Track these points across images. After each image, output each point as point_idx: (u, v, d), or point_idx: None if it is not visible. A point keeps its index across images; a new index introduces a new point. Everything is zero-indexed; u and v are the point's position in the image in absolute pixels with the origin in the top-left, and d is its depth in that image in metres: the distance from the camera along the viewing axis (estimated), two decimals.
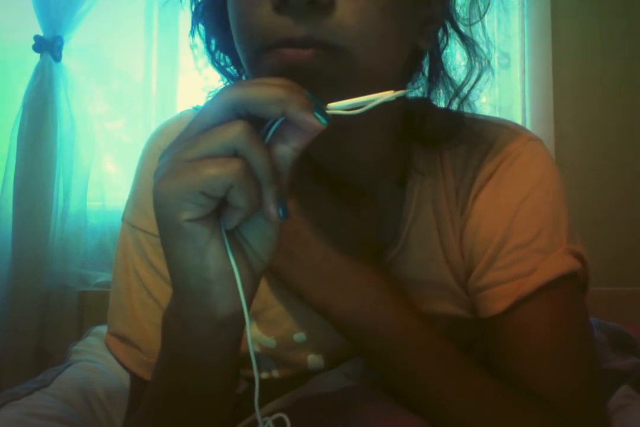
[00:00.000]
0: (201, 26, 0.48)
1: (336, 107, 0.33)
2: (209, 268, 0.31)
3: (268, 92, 0.30)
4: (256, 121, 0.31)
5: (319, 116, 0.30)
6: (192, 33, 0.49)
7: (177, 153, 0.30)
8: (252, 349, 0.34)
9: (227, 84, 0.50)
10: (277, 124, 0.32)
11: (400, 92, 0.33)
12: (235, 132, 0.29)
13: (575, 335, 0.47)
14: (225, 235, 0.32)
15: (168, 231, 0.31)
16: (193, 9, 0.48)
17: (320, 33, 0.35)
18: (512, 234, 0.48)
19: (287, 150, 0.32)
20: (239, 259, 0.33)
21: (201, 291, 0.32)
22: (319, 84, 0.35)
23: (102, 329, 1.03)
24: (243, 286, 0.32)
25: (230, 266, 0.32)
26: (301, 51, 0.35)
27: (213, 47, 0.49)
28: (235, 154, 0.30)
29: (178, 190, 0.29)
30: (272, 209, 0.31)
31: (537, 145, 0.51)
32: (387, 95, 0.33)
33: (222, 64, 0.49)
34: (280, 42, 0.36)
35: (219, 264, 0.32)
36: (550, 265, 0.47)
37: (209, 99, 0.32)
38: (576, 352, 0.47)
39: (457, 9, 0.46)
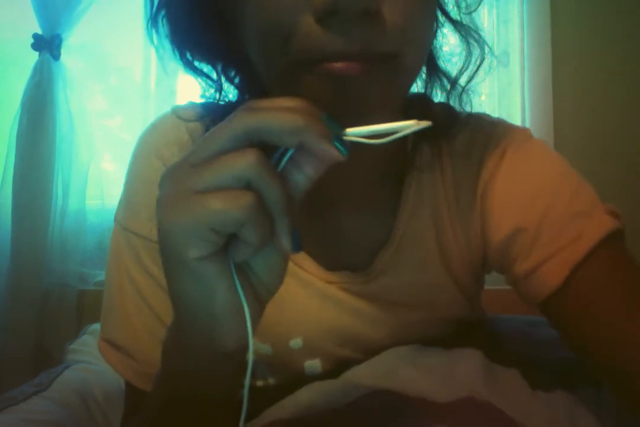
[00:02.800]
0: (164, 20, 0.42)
1: (355, 133, 0.29)
2: (217, 304, 0.29)
3: (284, 120, 0.27)
4: (268, 146, 0.28)
5: (338, 146, 0.28)
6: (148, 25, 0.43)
7: (183, 180, 0.28)
8: (250, 360, 0.32)
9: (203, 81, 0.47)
10: (291, 151, 0.29)
11: (425, 124, 0.30)
12: (248, 163, 0.27)
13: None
14: (234, 270, 0.29)
15: (173, 266, 0.29)
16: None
17: (374, 42, 0.32)
18: (551, 204, 0.45)
19: (300, 178, 0.29)
20: (247, 291, 0.30)
21: (208, 326, 0.30)
22: (366, 109, 0.33)
23: (98, 326, 1.03)
24: (251, 319, 0.30)
25: (239, 299, 0.30)
26: (352, 64, 0.32)
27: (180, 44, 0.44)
28: (247, 185, 0.27)
29: (185, 225, 0.27)
30: (285, 242, 0.29)
31: (533, 137, 0.51)
32: (412, 126, 0.29)
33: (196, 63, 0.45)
34: (330, 56, 0.32)
35: (227, 299, 0.29)
36: (596, 225, 0.44)
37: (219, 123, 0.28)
38: None
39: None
